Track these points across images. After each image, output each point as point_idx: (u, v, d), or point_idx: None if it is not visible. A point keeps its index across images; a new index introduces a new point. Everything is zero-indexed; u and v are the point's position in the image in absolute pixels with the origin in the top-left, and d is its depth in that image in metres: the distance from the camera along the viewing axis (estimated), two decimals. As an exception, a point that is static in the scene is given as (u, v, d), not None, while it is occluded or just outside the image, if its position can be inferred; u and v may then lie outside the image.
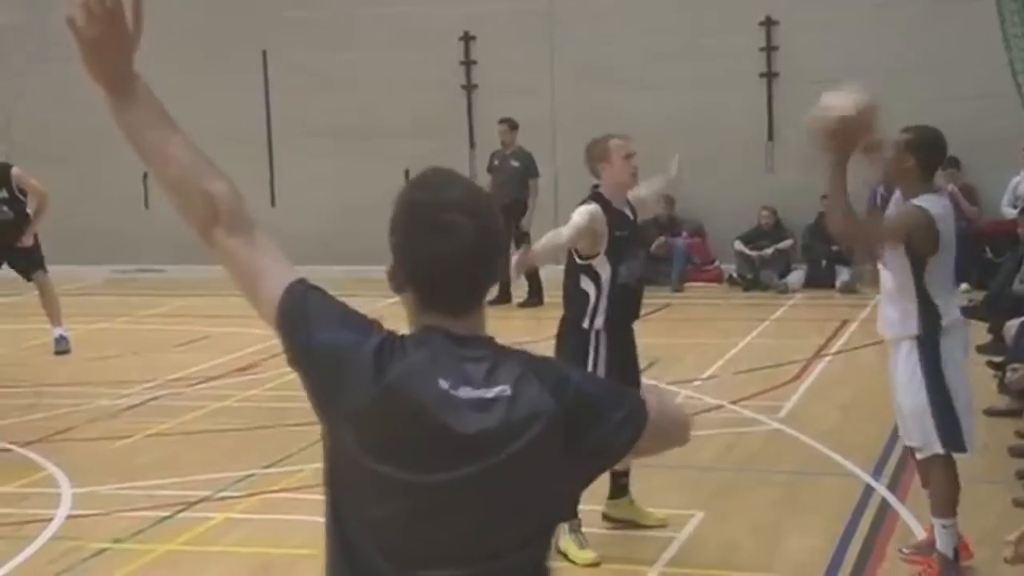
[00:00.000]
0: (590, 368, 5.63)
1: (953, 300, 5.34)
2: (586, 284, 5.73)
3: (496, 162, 12.81)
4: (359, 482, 2.12)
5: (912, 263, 5.15)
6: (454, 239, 2.11)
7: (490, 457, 2.08)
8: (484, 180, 12.86)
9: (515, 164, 12.62)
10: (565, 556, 5.70)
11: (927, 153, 5.20)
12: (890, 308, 5.30)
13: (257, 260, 2.23)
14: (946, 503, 5.30)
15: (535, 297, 12.10)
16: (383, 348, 2.11)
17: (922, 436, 5.25)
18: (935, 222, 5.09)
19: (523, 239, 12.60)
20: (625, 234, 5.77)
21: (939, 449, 5.22)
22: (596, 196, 5.82)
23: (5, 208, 10.38)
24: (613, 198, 5.80)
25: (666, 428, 2.32)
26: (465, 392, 2.09)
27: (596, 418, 2.18)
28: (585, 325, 5.74)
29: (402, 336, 2.15)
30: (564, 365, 2.29)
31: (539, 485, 2.15)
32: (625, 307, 5.81)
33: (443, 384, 2.09)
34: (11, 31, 15.00)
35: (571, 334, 5.79)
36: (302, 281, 2.21)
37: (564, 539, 5.73)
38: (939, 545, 5.28)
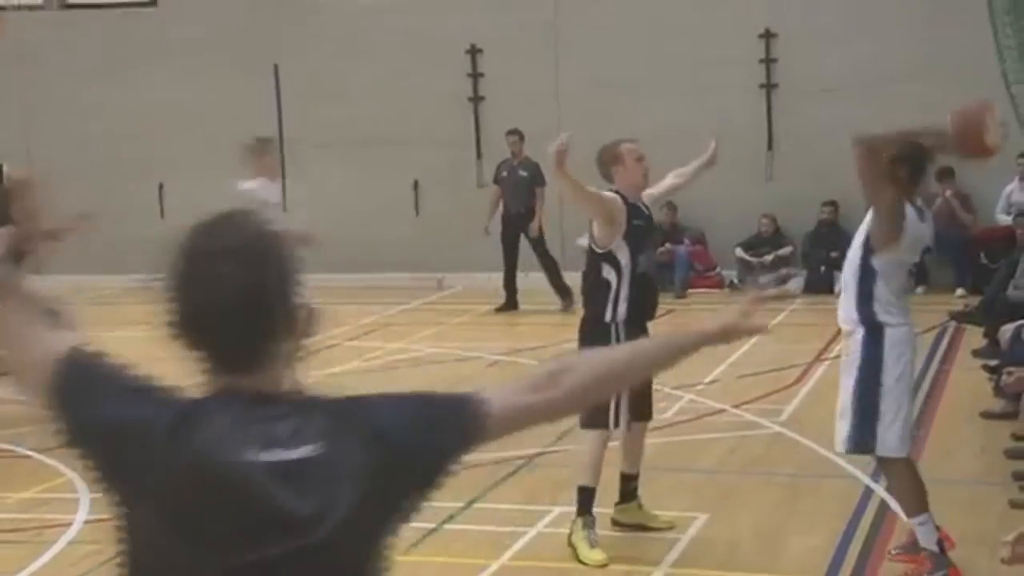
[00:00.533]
0: None
1: (899, 303, 5.31)
2: (607, 272, 5.83)
3: (504, 172, 12.81)
4: (162, 567, 1.90)
5: (863, 259, 5.24)
6: (217, 291, 1.88)
7: (305, 534, 1.87)
8: (493, 190, 12.90)
9: (523, 174, 12.63)
10: (575, 553, 5.70)
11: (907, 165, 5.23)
12: (843, 298, 5.41)
13: (27, 322, 2.00)
14: (910, 502, 5.32)
15: (568, 298, 12.09)
16: (180, 418, 1.89)
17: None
18: (905, 219, 5.18)
19: (538, 245, 12.61)
20: (642, 224, 5.94)
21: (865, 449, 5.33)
22: (613, 192, 5.98)
23: None
24: (628, 196, 5.92)
25: (527, 403, 2.15)
26: (271, 455, 1.87)
27: (414, 456, 1.99)
28: (607, 318, 5.81)
29: (199, 401, 1.93)
30: (374, 403, 2.03)
31: (361, 554, 1.97)
32: (644, 299, 5.91)
33: (248, 449, 1.87)
34: (33, 47, 15.00)
35: (592, 330, 5.86)
36: (80, 348, 1.96)
37: (576, 535, 5.74)
38: (922, 542, 5.29)
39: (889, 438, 5.22)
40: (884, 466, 5.49)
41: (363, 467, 1.92)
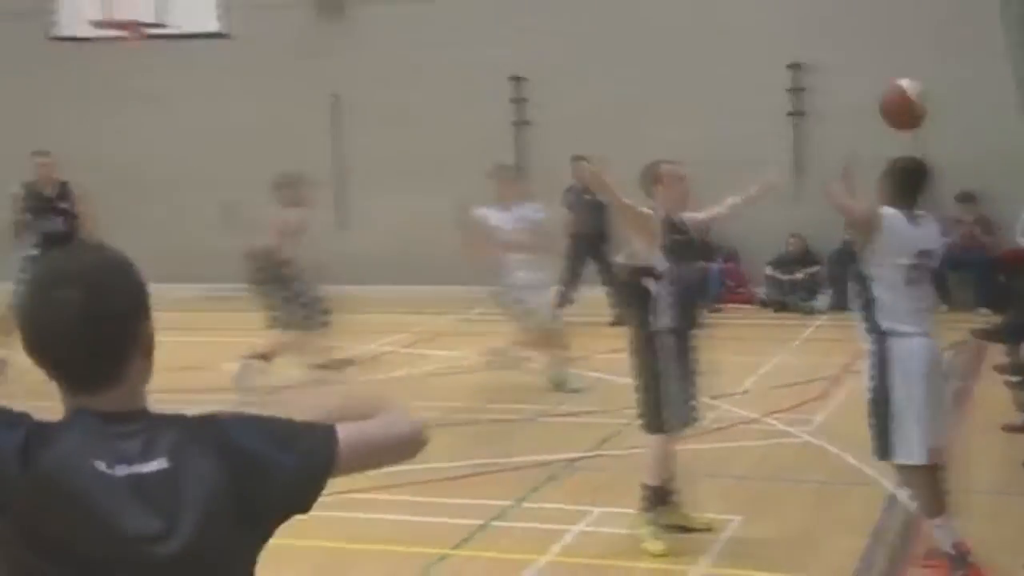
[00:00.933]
0: (656, 373, 5.83)
1: (909, 311, 5.29)
2: (647, 282, 5.93)
3: (572, 197, 12.67)
4: None
5: (855, 265, 5.37)
6: (59, 314, 1.87)
7: (154, 551, 1.83)
8: (556, 213, 12.96)
9: (588, 197, 12.34)
10: (641, 541, 5.80)
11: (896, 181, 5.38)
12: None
13: None
14: (927, 506, 5.35)
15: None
16: (29, 439, 1.83)
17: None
18: (882, 219, 5.24)
19: (607, 264, 12.49)
20: (680, 238, 6.01)
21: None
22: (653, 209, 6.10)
23: (60, 219, 10.05)
24: (668, 213, 6.03)
25: (379, 444, 2.10)
26: (122, 470, 1.83)
27: (265, 473, 1.94)
28: (652, 328, 5.89)
29: (49, 423, 1.89)
30: (228, 421, 1.98)
31: (216, 572, 1.91)
32: (685, 308, 5.96)
33: (98, 465, 1.83)
34: (118, 74, 15.27)
35: (639, 340, 5.96)
36: None
37: (642, 530, 5.85)
38: (940, 544, 5.33)
39: (904, 446, 5.22)
40: (901, 473, 5.51)
41: (215, 483, 1.88)
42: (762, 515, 6.39)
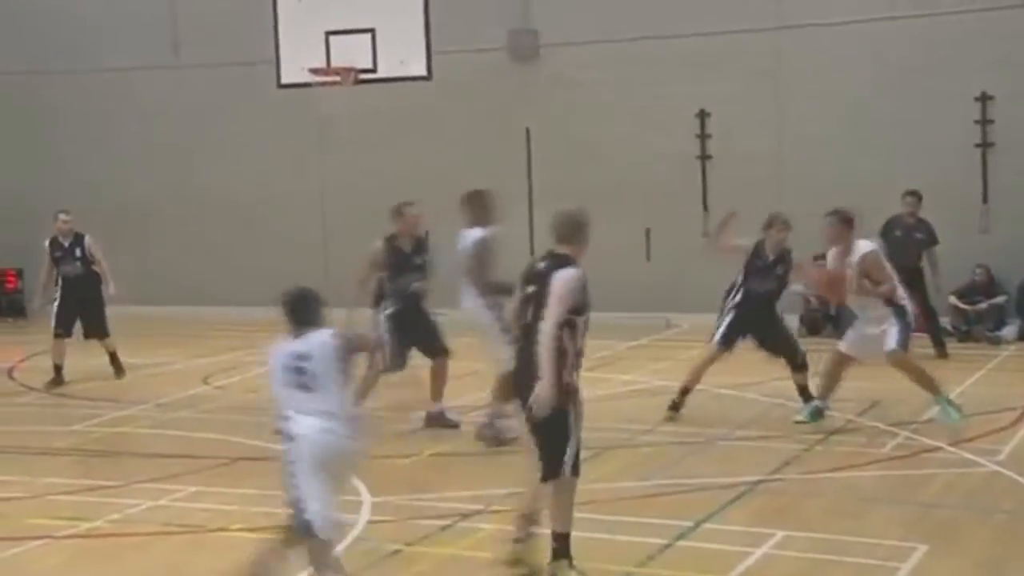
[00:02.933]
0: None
1: None
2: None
3: (898, 232, 11.92)
4: None
5: None
6: None
7: None
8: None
9: (919, 236, 11.95)
10: None
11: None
12: None
13: None
14: None
15: (941, 348, 11.76)
16: None
17: None
18: None
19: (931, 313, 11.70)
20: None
21: None
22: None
23: (78, 264, 11.24)
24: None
25: None
26: None
27: None
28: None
29: None
30: None
31: None
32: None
33: None
34: (330, 118, 15.81)
35: None
36: None
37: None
38: None
39: None
40: None
41: None
42: (948, 544, 6.01)
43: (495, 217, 8.63)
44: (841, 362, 8.71)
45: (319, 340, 5.11)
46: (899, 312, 8.51)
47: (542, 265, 5.62)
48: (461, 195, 8.81)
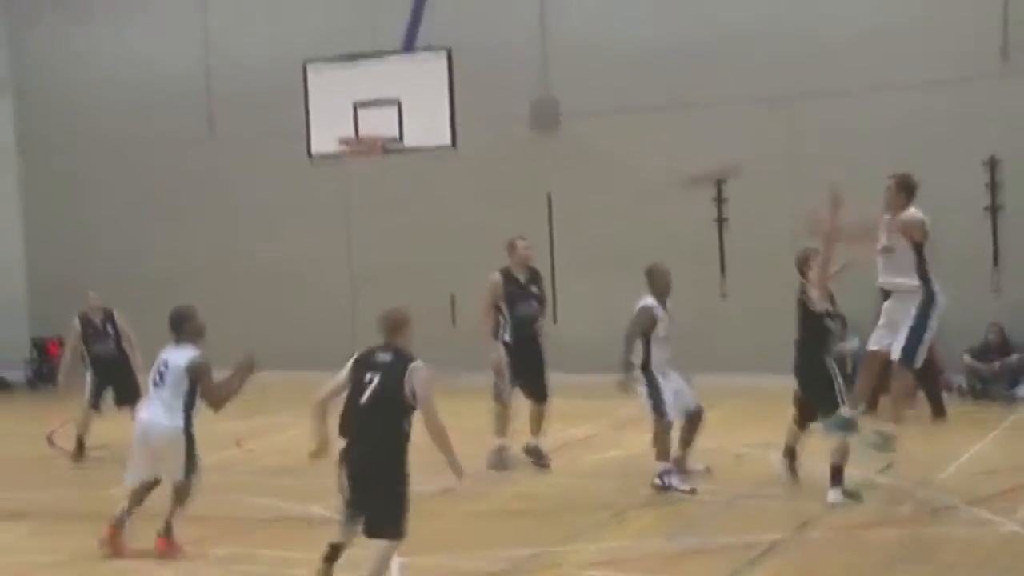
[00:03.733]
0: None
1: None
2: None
3: None
4: None
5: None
6: None
7: None
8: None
9: None
10: None
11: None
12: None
13: None
14: None
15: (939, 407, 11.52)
16: None
17: None
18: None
19: None
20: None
21: None
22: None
23: (110, 341, 11.22)
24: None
25: None
26: None
27: None
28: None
29: None
30: None
31: None
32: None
33: None
34: (362, 182, 16.04)
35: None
36: None
37: None
38: None
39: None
40: None
41: None
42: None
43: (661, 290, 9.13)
44: (875, 362, 7.98)
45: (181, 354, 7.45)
46: (926, 297, 7.76)
47: None
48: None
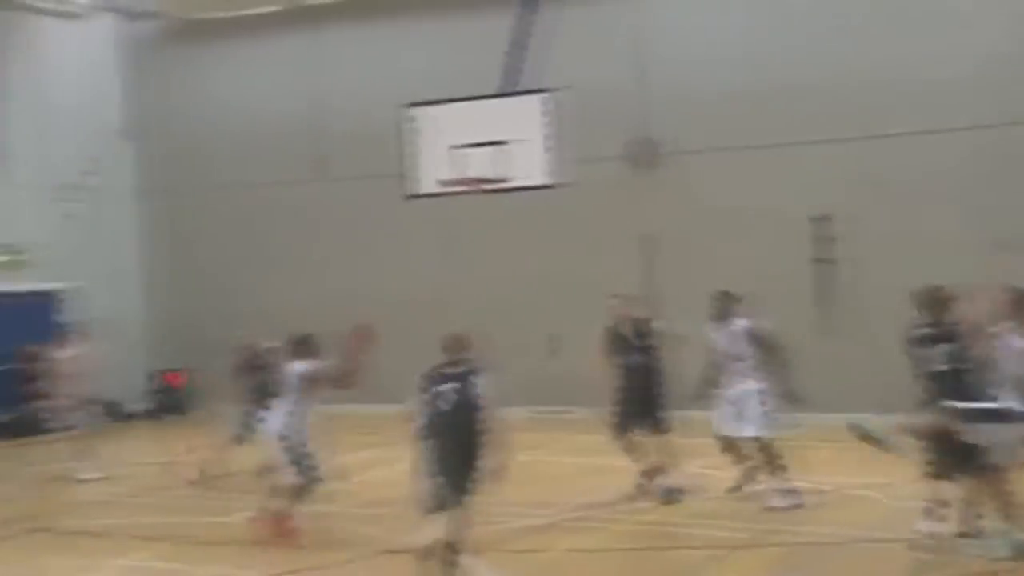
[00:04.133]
0: None
1: None
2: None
3: None
4: None
5: None
6: None
7: None
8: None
9: None
10: None
11: None
12: None
13: None
14: None
15: None
16: None
17: None
18: None
19: None
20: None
21: None
22: None
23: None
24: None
25: None
26: None
27: None
28: None
29: None
30: None
31: None
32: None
33: None
34: (457, 224, 16.25)
35: None
36: None
37: None
38: None
39: None
40: None
41: None
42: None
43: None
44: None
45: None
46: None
47: None
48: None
